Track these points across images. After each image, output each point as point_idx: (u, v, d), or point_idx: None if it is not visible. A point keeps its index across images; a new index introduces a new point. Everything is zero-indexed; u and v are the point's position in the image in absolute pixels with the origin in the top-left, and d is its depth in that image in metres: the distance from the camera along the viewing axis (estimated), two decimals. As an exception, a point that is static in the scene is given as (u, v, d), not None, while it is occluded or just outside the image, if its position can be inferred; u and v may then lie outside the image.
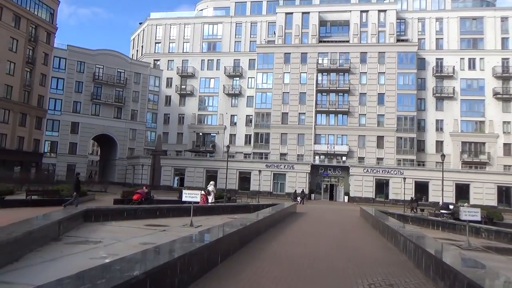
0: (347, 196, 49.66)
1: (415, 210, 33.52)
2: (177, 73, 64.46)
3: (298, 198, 39.67)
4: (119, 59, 60.97)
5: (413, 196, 41.43)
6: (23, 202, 21.16)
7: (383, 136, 53.91)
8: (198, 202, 14.51)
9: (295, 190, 43.97)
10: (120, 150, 59.91)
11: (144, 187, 23.68)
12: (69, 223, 10.87)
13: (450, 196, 42.90)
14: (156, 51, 67.47)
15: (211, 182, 25.25)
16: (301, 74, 57.14)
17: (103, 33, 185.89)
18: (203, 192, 21.72)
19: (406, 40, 57.23)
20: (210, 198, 21.98)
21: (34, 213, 13.16)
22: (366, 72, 55.75)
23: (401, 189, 42.26)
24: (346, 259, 9.30)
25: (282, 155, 55.54)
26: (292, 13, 59.64)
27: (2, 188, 24.28)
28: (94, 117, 57.91)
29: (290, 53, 57.88)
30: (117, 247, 8.98)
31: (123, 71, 60.42)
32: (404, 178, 42.98)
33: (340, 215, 25.61)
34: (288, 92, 56.91)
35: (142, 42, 70.10)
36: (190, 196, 13.43)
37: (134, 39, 75.87)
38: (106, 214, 13.76)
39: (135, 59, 68.16)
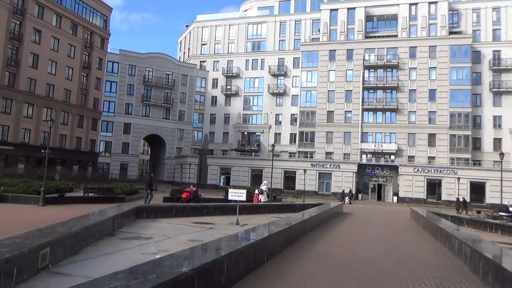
0: (396, 197, 47.95)
1: (463, 211, 31.92)
2: (222, 74, 65.53)
3: (346, 198, 38.92)
4: (167, 62, 63.10)
5: (458, 196, 39.07)
6: (81, 199, 22.53)
7: (435, 134, 51.46)
8: (244, 201, 14.66)
9: (343, 190, 43.21)
10: (169, 150, 62.01)
11: (192, 186, 24.30)
12: (123, 220, 11.40)
13: (510, 198, 40.04)
14: (202, 53, 69.01)
15: (264, 182, 25.65)
16: (347, 71, 55.94)
17: (152, 37, 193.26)
18: (256, 192, 22.19)
19: (459, 33, 54.18)
20: (263, 197, 22.26)
21: (90, 209, 13.95)
22: (415, 68, 53.50)
23: (454, 189, 40.16)
24: (396, 262, 8.98)
25: (328, 154, 54.72)
26: (337, 9, 58.51)
27: (63, 185, 26.06)
28: (144, 118, 60.40)
29: (335, 50, 56.85)
30: (166, 244, 9.29)
31: (171, 73, 62.47)
32: (458, 178, 40.76)
33: (388, 216, 24.78)
34: (334, 90, 55.94)
35: (189, 44, 71.98)
36: (236, 195, 13.59)
37: (181, 41, 78.12)
38: (156, 211, 14.28)
39: (182, 61, 70.16)
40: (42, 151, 28.59)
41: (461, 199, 36.10)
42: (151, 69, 60.98)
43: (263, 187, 23.27)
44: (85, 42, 52.95)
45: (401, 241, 13.20)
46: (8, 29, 42.14)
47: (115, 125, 58.43)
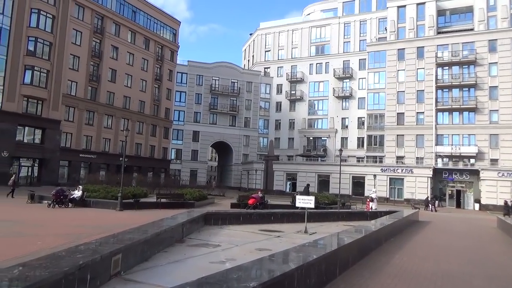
0: (477, 204, 43.80)
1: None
2: (286, 79, 65.44)
3: (430, 205, 36.65)
4: (233, 70, 64.61)
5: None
6: (154, 204, 23.55)
7: (523, 134, 46.32)
8: (312, 208, 14.16)
9: (427, 197, 40.79)
10: (235, 156, 63.19)
11: (258, 192, 24.28)
12: (192, 226, 11.55)
13: None
14: (266, 59, 69.58)
15: (373, 190, 25.58)
16: (418, 70, 52.67)
17: (218, 46, 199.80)
18: (368, 199, 22.90)
19: (550, 21, 48.43)
20: (374, 205, 22.54)
21: (163, 214, 14.41)
22: (496, 62, 48.68)
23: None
24: (487, 278, 7.94)
25: (399, 158, 51.82)
26: (405, 5, 55.49)
27: (138, 191, 27.52)
28: (212, 125, 62.27)
29: (404, 48, 53.89)
30: (234, 252, 9.16)
31: (236, 81, 63.82)
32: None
33: (472, 225, 22.56)
34: (404, 91, 52.96)
35: (253, 52, 73.04)
36: (304, 201, 13.14)
37: (245, 49, 79.58)
38: (224, 218, 14.33)
39: (247, 68, 71.35)
40: (120, 159, 30.55)
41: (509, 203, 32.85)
42: (217, 78, 62.82)
43: (373, 194, 23.67)
44: (156, 55, 56.09)
45: (490, 253, 11.82)
46: (90, 47, 46.01)
47: (185, 133, 60.95)
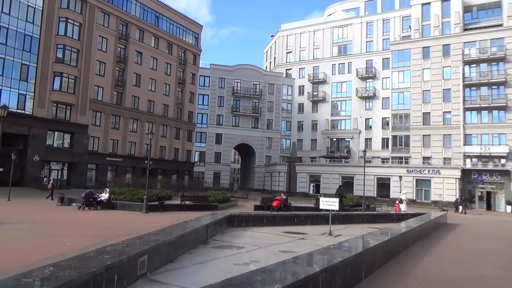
0: (510, 206, 42.17)
1: None
2: (308, 80, 65.06)
3: (460, 207, 35.65)
4: (254, 72, 64.80)
5: None
6: (178, 207, 23.84)
7: (558, 133, 44.35)
8: (336, 210, 13.99)
9: (457, 198, 39.68)
10: (258, 158, 63.25)
11: (281, 194, 24.22)
12: (215, 228, 11.62)
13: None
14: (287, 61, 69.41)
15: (403, 192, 25.41)
16: (444, 68, 51.31)
17: (240, 49, 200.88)
18: (399, 203, 22.67)
19: None
20: (403, 206, 22.41)
21: (187, 217, 14.58)
22: (528, 58, 46.89)
23: None
24: (522, 283, 7.63)
25: (425, 158, 50.57)
26: (429, 3, 54.18)
27: (163, 193, 27.99)
28: (234, 128, 62.58)
29: (429, 46, 52.62)
30: (258, 254, 9.16)
31: (258, 83, 63.94)
32: None
33: (504, 229, 21.74)
34: (429, 90, 51.69)
35: (274, 54, 73.01)
36: (328, 204, 13.00)
37: (266, 51, 79.66)
38: (248, 220, 14.34)
39: (269, 70, 71.39)
40: (145, 161, 31.15)
41: None
42: (239, 81, 63.12)
43: (403, 196, 23.57)
44: (179, 59, 56.92)
45: (524, 258, 11.33)
46: (115, 53, 47.17)
47: (208, 136, 61.50)
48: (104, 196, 22.79)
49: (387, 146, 55.80)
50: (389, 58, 56.66)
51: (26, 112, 37.87)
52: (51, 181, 26.23)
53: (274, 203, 22.85)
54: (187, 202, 24.61)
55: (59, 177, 41.78)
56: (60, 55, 40.66)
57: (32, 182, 36.89)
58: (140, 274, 6.03)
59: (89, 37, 43.23)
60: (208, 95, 62.00)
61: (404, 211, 22.14)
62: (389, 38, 58.70)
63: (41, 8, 39.11)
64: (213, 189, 40.00)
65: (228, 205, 27.88)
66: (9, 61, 36.64)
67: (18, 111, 36.75)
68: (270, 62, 75.64)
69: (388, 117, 55.87)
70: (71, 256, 5.90)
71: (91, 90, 43.93)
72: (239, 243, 10.43)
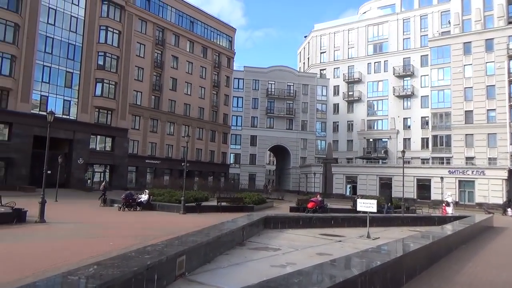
0: None
1: None
2: (343, 80, 64.05)
3: (508, 210, 33.96)
4: (288, 73, 64.58)
5: None
6: (214, 208, 24.16)
7: None
8: (374, 212, 13.66)
9: (505, 201, 37.76)
10: (293, 159, 62.93)
11: (317, 195, 23.97)
12: (252, 229, 11.66)
13: None
14: (321, 61, 68.68)
15: (449, 194, 24.79)
16: (487, 64, 48.86)
17: (273, 50, 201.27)
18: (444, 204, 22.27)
19: None
20: (450, 209, 21.84)
21: (223, 218, 14.75)
22: None
23: None
24: None
25: (468, 159, 48.32)
26: (471, -4, 51.90)
27: (200, 195, 28.46)
28: (269, 129, 62.63)
29: (470, 42, 50.30)
30: (294, 256, 9.10)
31: (292, 84, 63.67)
32: None
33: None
34: (471, 87, 49.40)
35: (308, 54, 72.46)
36: (366, 205, 12.72)
37: (300, 52, 79.21)
38: (284, 221, 14.29)
39: (303, 71, 70.93)
40: (182, 164, 31.84)
41: None
42: (273, 82, 63.13)
43: (449, 199, 22.92)
44: (214, 62, 57.79)
45: None
46: (152, 59, 48.60)
47: (242, 138, 61.92)
48: (144, 197, 23.47)
49: (427, 146, 53.87)
50: (427, 55, 54.73)
51: (71, 118, 39.80)
52: (103, 183, 27.33)
53: (309, 205, 22.63)
54: (223, 204, 24.87)
55: (102, 179, 43.50)
56: (101, 62, 42.44)
57: (77, 184, 38.81)
58: (179, 274, 6.16)
59: (127, 44, 44.82)
60: (242, 97, 62.47)
61: (452, 214, 21.30)
62: (427, 35, 56.73)
63: (83, 18, 41.00)
64: (248, 190, 40.19)
65: (264, 206, 27.91)
66: (54, 69, 38.67)
67: (64, 116, 38.68)
68: (304, 63, 75.15)
69: (428, 116, 53.93)
70: (113, 255, 6.14)
71: (130, 95, 45.49)
72: (275, 245, 10.41)
